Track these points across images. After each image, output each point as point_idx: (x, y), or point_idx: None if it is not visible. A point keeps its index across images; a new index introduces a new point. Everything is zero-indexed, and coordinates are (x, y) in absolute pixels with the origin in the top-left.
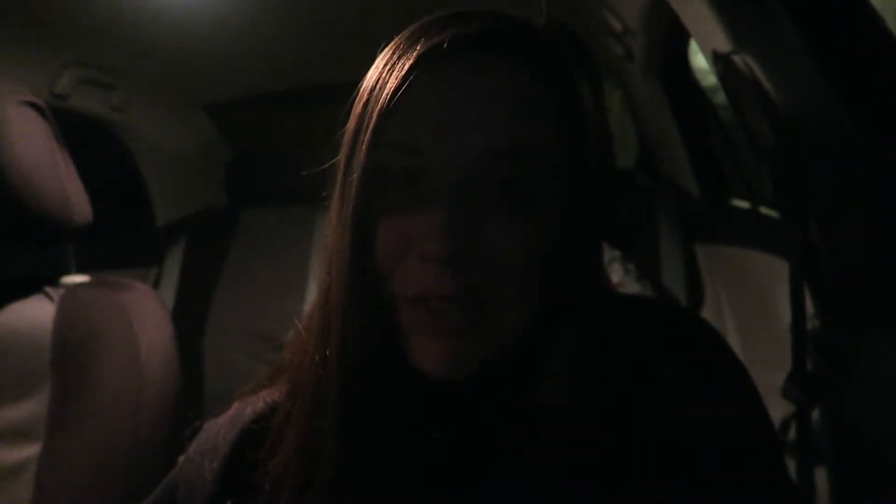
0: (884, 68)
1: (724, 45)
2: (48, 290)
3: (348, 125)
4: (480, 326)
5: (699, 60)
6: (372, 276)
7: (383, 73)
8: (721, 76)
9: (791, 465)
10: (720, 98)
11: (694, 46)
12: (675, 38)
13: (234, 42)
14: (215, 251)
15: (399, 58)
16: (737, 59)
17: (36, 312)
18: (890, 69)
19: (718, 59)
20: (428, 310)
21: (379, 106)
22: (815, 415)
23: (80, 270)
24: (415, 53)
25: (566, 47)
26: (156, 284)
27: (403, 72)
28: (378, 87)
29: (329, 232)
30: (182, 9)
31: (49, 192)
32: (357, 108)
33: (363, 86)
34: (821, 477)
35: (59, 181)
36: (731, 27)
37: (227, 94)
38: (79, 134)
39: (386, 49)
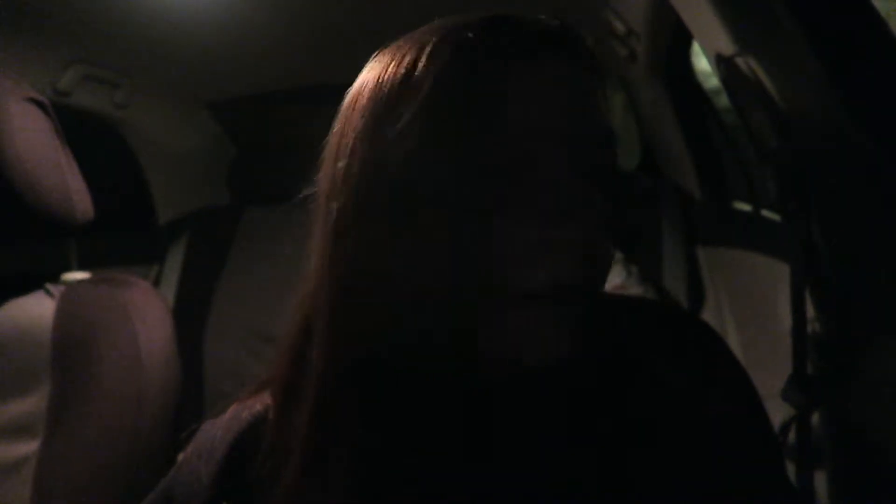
0: (887, 73)
1: (727, 47)
2: (49, 286)
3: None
4: (570, 312)
5: (702, 63)
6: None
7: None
8: (724, 79)
9: (791, 469)
10: (723, 101)
11: (697, 49)
12: (678, 40)
13: (239, 41)
14: (217, 249)
15: (488, 51)
16: (740, 61)
17: (36, 309)
18: (893, 72)
19: (722, 62)
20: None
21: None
22: (816, 418)
23: (81, 267)
24: (514, 47)
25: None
26: (157, 282)
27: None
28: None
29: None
30: (187, 7)
31: (51, 188)
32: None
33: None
34: (820, 480)
35: (62, 178)
36: (734, 30)
37: (231, 92)
38: (82, 131)
39: (460, 34)
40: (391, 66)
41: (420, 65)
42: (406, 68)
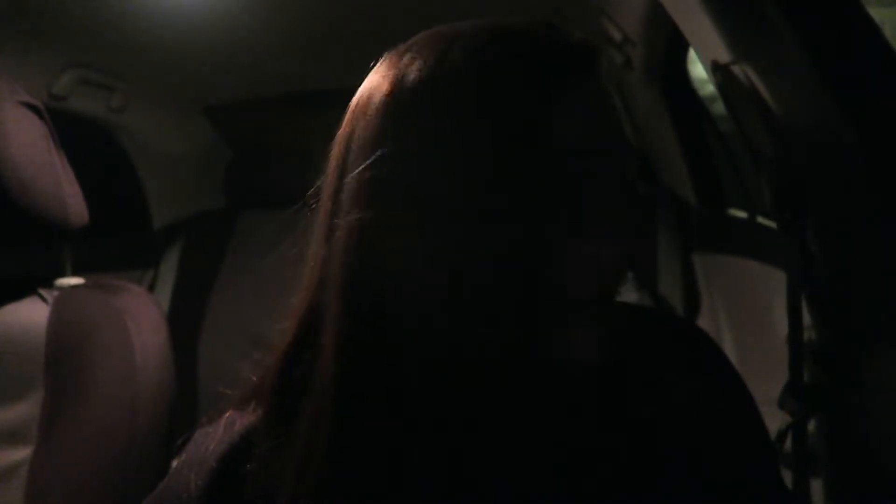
0: (882, 80)
1: (723, 55)
2: (42, 291)
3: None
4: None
5: (698, 70)
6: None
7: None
8: (720, 86)
9: (787, 476)
10: (719, 108)
11: (693, 56)
12: (674, 47)
13: (235, 45)
14: (212, 254)
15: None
16: (736, 69)
17: (30, 314)
18: (888, 81)
19: (717, 69)
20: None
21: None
22: (812, 426)
23: (75, 272)
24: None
25: None
26: (152, 287)
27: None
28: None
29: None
30: (182, 11)
31: (45, 193)
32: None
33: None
34: (817, 488)
35: (56, 182)
36: (730, 37)
37: (227, 96)
38: (76, 135)
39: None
40: (410, 71)
41: (446, 75)
42: (429, 76)
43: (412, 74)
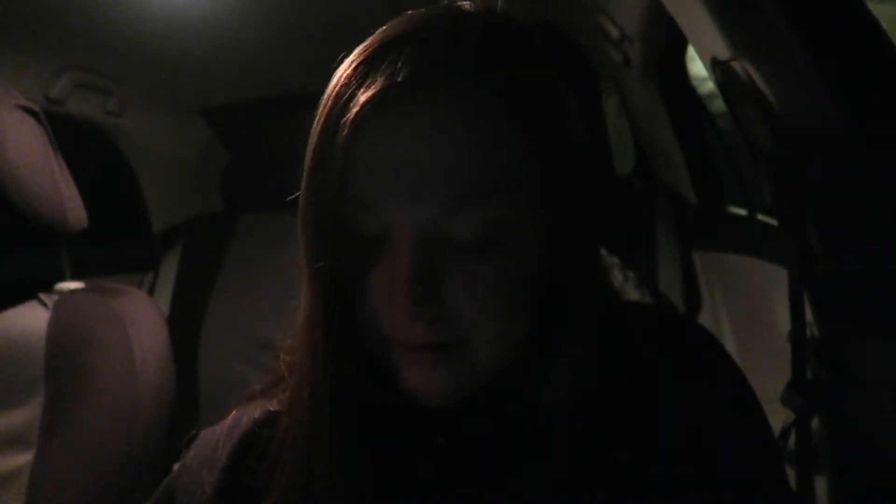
0: (882, 76)
1: (722, 51)
2: (42, 296)
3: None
4: (456, 363)
5: (697, 67)
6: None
7: (333, 110)
8: (719, 83)
9: (791, 474)
10: (718, 105)
11: (691, 53)
12: (672, 44)
13: (232, 47)
14: (211, 257)
15: (348, 99)
16: (735, 65)
17: (30, 319)
18: (889, 77)
19: (717, 66)
20: (407, 348)
21: (335, 157)
22: (815, 422)
23: (74, 276)
24: (362, 100)
25: (542, 51)
26: (151, 290)
27: (352, 118)
28: (330, 125)
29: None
30: (180, 14)
31: (43, 197)
32: (314, 138)
33: (321, 107)
34: (821, 485)
35: (54, 186)
36: (729, 34)
37: (225, 99)
38: (74, 138)
39: (341, 74)
40: (338, 81)
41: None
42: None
43: (335, 86)
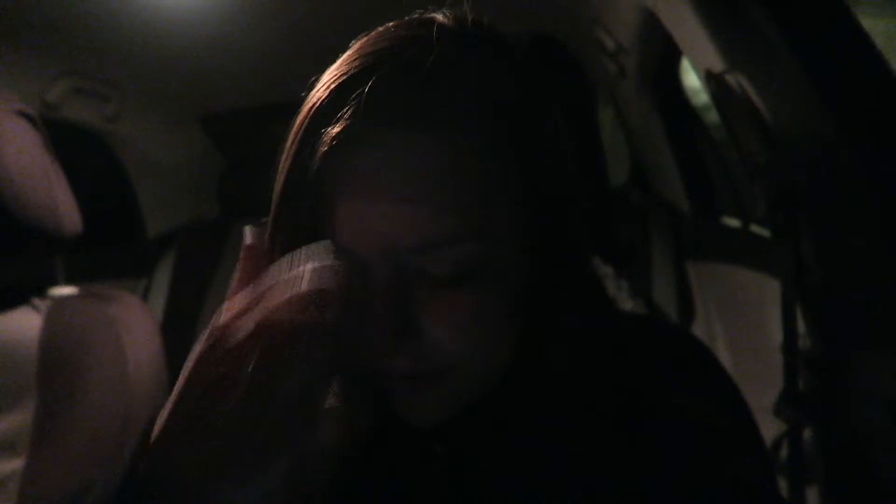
0: (874, 89)
1: (716, 64)
2: (35, 301)
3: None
4: (442, 388)
5: (691, 79)
6: None
7: (302, 142)
8: (713, 95)
9: (783, 484)
10: (712, 117)
11: (686, 65)
12: (667, 56)
13: (229, 54)
14: (205, 263)
15: (314, 134)
16: (729, 78)
17: (22, 324)
18: (878, 89)
19: (711, 78)
20: (391, 378)
21: (303, 192)
22: (807, 433)
23: (68, 282)
24: (328, 138)
25: (524, 71)
26: (145, 296)
27: (320, 157)
28: (299, 157)
29: None
30: (177, 21)
31: (38, 202)
32: (284, 169)
33: (292, 135)
34: (812, 495)
35: (49, 192)
36: (723, 47)
37: (221, 105)
38: (70, 144)
39: (311, 104)
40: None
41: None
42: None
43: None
